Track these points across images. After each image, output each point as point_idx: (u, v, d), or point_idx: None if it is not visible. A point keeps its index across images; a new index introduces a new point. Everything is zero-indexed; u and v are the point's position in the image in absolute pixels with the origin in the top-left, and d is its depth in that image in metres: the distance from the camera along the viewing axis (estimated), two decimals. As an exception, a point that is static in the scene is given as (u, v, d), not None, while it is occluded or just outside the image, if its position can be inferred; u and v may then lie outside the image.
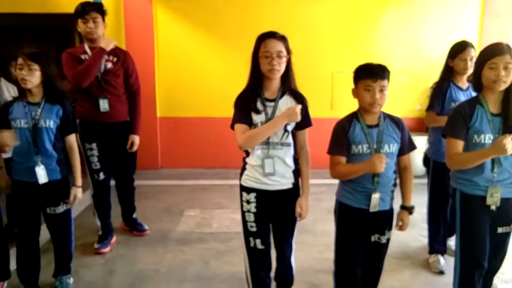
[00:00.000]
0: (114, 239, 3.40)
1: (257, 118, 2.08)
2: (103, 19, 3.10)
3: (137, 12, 5.26)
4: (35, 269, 2.57)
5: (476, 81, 2.12)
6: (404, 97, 5.36)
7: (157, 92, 5.49)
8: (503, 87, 2.03)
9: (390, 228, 2.13)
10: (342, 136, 2.04)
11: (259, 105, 2.09)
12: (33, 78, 2.34)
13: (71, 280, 2.71)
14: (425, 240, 3.23)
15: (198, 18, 5.40)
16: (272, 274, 2.35)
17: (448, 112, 2.50)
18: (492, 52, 2.03)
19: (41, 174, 2.38)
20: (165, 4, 5.37)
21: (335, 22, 5.45)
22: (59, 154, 2.46)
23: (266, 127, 2.05)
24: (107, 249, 3.25)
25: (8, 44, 5.73)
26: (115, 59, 3.15)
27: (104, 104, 3.08)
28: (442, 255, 3.04)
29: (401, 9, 5.47)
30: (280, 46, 2.04)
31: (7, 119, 2.37)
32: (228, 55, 5.39)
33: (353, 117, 2.07)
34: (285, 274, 2.35)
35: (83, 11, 3.01)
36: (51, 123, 2.40)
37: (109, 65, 3.12)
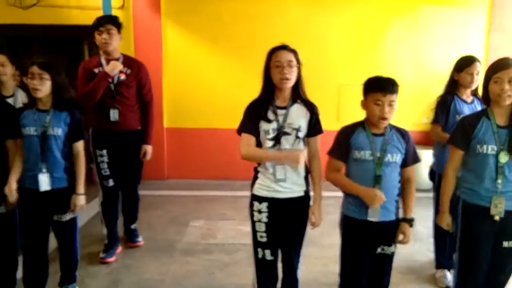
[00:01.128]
0: (119, 249, 3.41)
1: (268, 126, 2.12)
2: (118, 31, 3.18)
3: (146, 26, 5.34)
4: (42, 278, 2.58)
5: (484, 95, 2.16)
6: (411, 110, 5.36)
7: (164, 103, 5.54)
8: (508, 101, 2.06)
9: (395, 240, 2.13)
10: (343, 141, 2.09)
11: (270, 114, 2.13)
12: (44, 87, 2.38)
13: (77, 289, 2.71)
14: (431, 255, 3.21)
15: (205, 31, 5.47)
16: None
17: (453, 124, 2.58)
18: (497, 67, 2.08)
19: (44, 182, 2.39)
20: (173, 18, 5.45)
21: (341, 35, 5.49)
22: (67, 161, 2.48)
23: (268, 156, 2.12)
24: (112, 259, 3.26)
25: (20, 55, 5.83)
26: (128, 71, 3.22)
27: (114, 114, 3.15)
28: (449, 270, 3.01)
29: (407, 23, 5.51)
30: (290, 57, 2.10)
31: (19, 125, 2.41)
32: (234, 67, 5.45)
33: (358, 125, 2.11)
34: (292, 286, 2.34)
35: (98, 24, 3.12)
36: (59, 131, 2.43)
37: (123, 76, 3.20)
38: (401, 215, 2.14)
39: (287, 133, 2.13)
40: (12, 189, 2.38)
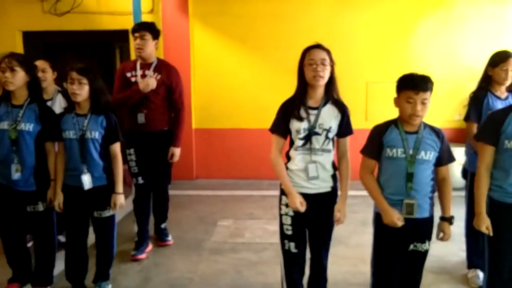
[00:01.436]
0: (150, 247, 3.49)
1: (300, 125, 2.17)
2: (154, 38, 3.26)
3: (175, 28, 5.43)
4: (82, 271, 2.71)
5: None
6: (443, 107, 5.21)
7: (193, 104, 5.62)
8: None
9: (430, 238, 2.10)
10: (376, 139, 2.09)
11: (302, 113, 2.17)
12: (83, 91, 2.49)
13: (110, 286, 2.80)
14: (464, 255, 3.11)
15: (233, 32, 5.51)
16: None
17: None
18: None
19: (86, 181, 2.53)
20: (201, 20, 5.53)
21: (369, 32, 5.41)
22: (104, 162, 2.59)
23: (283, 181, 2.21)
24: (143, 256, 3.34)
25: (56, 60, 6.07)
26: (158, 77, 3.29)
27: (141, 118, 3.27)
28: (482, 269, 2.90)
29: (439, 17, 5.36)
30: (324, 55, 2.14)
31: (60, 129, 2.55)
32: (262, 67, 5.46)
33: (391, 123, 2.10)
34: (321, 285, 2.34)
35: (134, 29, 3.26)
36: (96, 134, 2.54)
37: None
38: (435, 212, 2.12)
39: (317, 133, 2.17)
40: (58, 194, 2.56)
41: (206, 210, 4.48)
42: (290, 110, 2.19)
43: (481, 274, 2.90)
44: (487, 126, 2.13)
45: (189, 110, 5.56)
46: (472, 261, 2.99)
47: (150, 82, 3.18)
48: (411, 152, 2.02)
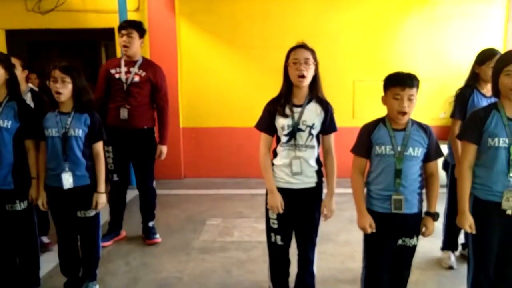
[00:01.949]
0: (120, 236, 3.61)
1: (284, 121, 2.23)
2: (140, 36, 3.32)
3: (161, 27, 5.40)
4: (77, 264, 2.71)
5: (494, 87, 2.12)
6: (428, 105, 5.28)
7: (180, 103, 5.60)
8: None
9: (418, 233, 2.13)
10: (365, 138, 2.12)
11: (287, 110, 2.23)
12: (66, 90, 2.46)
13: (97, 287, 2.77)
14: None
15: (220, 30, 5.50)
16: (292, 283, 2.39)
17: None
18: (508, 59, 2.03)
19: (67, 180, 2.49)
20: (188, 18, 5.50)
21: (356, 31, 5.45)
22: (88, 160, 2.57)
23: (267, 180, 2.28)
24: (108, 243, 3.45)
25: (39, 58, 5.98)
26: (143, 74, 3.34)
27: (124, 113, 3.29)
28: (453, 252, 3.15)
29: (424, 16, 5.42)
30: (307, 54, 2.19)
31: (41, 127, 2.51)
32: (249, 66, 5.46)
33: (380, 121, 2.13)
34: (308, 282, 2.39)
35: (121, 26, 3.30)
36: (80, 132, 2.51)
37: (136, 78, 3.33)
38: (424, 208, 2.15)
39: (301, 130, 2.22)
40: (41, 192, 2.54)
41: (195, 209, 4.47)
42: (275, 108, 2.26)
43: (452, 256, 3.11)
44: (470, 125, 2.14)
45: (177, 109, 5.53)
46: (446, 244, 3.17)
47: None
48: (399, 149, 2.04)
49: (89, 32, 5.47)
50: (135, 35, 3.28)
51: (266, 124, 2.28)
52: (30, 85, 3.35)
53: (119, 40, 3.33)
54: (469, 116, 2.21)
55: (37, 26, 5.31)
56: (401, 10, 5.42)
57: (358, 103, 5.44)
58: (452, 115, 2.93)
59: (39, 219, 2.74)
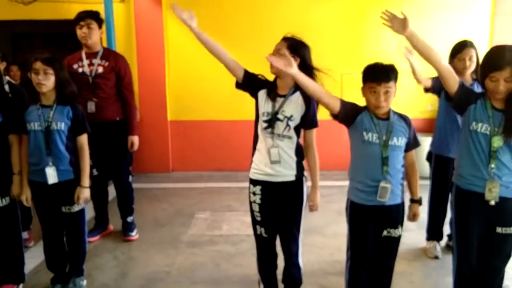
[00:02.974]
0: (107, 230, 3.60)
1: (265, 108, 2.25)
2: (99, 26, 3.29)
3: (148, 18, 5.31)
4: (63, 259, 2.68)
5: (482, 82, 2.15)
6: (415, 98, 5.30)
7: (168, 96, 5.54)
8: (503, 96, 2.05)
9: (402, 223, 2.16)
10: (355, 108, 2.12)
11: (271, 97, 2.25)
12: (48, 82, 2.41)
13: (84, 282, 2.75)
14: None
15: (207, 23, 5.36)
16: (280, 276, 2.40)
17: (444, 109, 2.90)
18: (493, 65, 2.04)
19: (51, 175, 2.45)
20: (174, 9, 5.43)
21: (343, 24, 5.44)
22: (71, 155, 2.52)
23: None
24: (95, 238, 3.44)
25: (22, 50, 5.84)
26: (106, 64, 3.30)
27: (91, 106, 3.25)
28: (438, 242, 3.21)
29: (410, 8, 5.40)
30: (280, 45, 2.22)
31: (24, 121, 2.46)
32: (237, 58, 5.38)
33: (364, 108, 2.14)
34: (293, 273, 2.40)
35: (78, 18, 3.24)
36: (62, 125, 2.46)
37: (100, 69, 3.29)
38: (405, 198, 2.19)
39: (279, 119, 2.24)
40: (25, 187, 2.49)
41: (183, 203, 4.45)
42: (263, 84, 2.28)
43: (437, 246, 3.18)
44: (462, 90, 2.14)
45: (164, 103, 5.48)
46: (430, 234, 3.23)
47: None
48: (384, 137, 2.06)
49: (73, 23, 5.35)
50: (95, 25, 3.24)
51: (252, 76, 2.29)
52: (7, 78, 3.27)
53: (78, 32, 3.25)
54: (460, 85, 2.17)
55: (20, 17, 5.20)
56: (388, 2, 5.42)
57: (346, 96, 5.36)
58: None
59: (21, 215, 2.68)
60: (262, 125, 2.26)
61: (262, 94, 2.28)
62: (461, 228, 2.18)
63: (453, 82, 2.12)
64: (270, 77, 2.33)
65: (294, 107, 2.24)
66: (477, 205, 2.11)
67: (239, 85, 2.34)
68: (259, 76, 2.33)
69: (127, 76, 3.40)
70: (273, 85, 2.28)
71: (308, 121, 2.27)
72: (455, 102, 2.16)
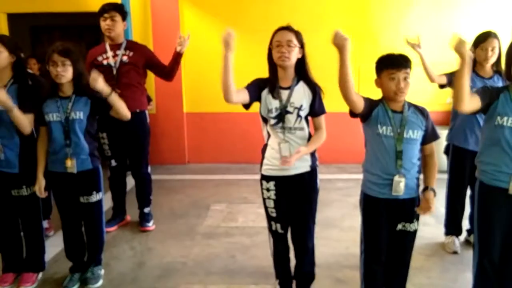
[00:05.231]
0: (124, 221, 3.64)
1: (272, 104, 2.19)
2: (123, 19, 3.30)
3: (164, 9, 5.31)
4: (82, 248, 2.73)
5: (507, 71, 2.11)
6: (435, 91, 5.17)
7: (184, 88, 5.55)
8: None
9: (418, 217, 2.12)
10: (371, 102, 2.08)
11: (275, 93, 2.21)
12: (67, 73, 2.43)
13: (102, 271, 2.79)
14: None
15: (223, 13, 5.41)
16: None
17: None
18: None
19: (71, 165, 2.48)
20: (191, 1, 5.41)
21: (362, 14, 5.34)
22: (90, 145, 2.55)
23: (223, 58, 2.20)
24: (113, 228, 3.50)
25: (42, 43, 5.94)
26: (131, 54, 3.32)
27: None
28: (457, 236, 3.15)
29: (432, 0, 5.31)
30: (290, 36, 2.16)
31: (43, 114, 2.49)
32: (253, 49, 5.33)
33: (379, 102, 2.10)
34: (309, 271, 2.41)
35: (102, 10, 3.26)
36: (81, 114, 2.49)
37: (125, 58, 3.32)
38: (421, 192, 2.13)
39: (289, 112, 2.20)
40: (39, 179, 2.50)
41: (199, 195, 4.47)
42: (264, 83, 2.24)
43: (456, 241, 3.12)
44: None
45: (180, 94, 5.49)
46: (449, 228, 3.18)
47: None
48: (398, 130, 2.03)
49: (92, 15, 5.39)
50: (118, 18, 3.26)
51: (250, 87, 2.22)
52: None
53: (101, 24, 3.28)
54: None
55: (39, 10, 5.25)
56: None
57: (363, 89, 5.21)
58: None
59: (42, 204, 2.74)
60: (271, 122, 2.22)
61: (265, 93, 2.23)
62: (484, 223, 2.14)
63: None
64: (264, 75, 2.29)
65: (302, 96, 2.21)
66: (500, 200, 2.07)
67: (249, 105, 2.25)
68: (256, 81, 2.27)
69: (156, 59, 3.46)
70: (273, 79, 2.24)
71: (316, 108, 2.23)
72: (482, 109, 2.10)
